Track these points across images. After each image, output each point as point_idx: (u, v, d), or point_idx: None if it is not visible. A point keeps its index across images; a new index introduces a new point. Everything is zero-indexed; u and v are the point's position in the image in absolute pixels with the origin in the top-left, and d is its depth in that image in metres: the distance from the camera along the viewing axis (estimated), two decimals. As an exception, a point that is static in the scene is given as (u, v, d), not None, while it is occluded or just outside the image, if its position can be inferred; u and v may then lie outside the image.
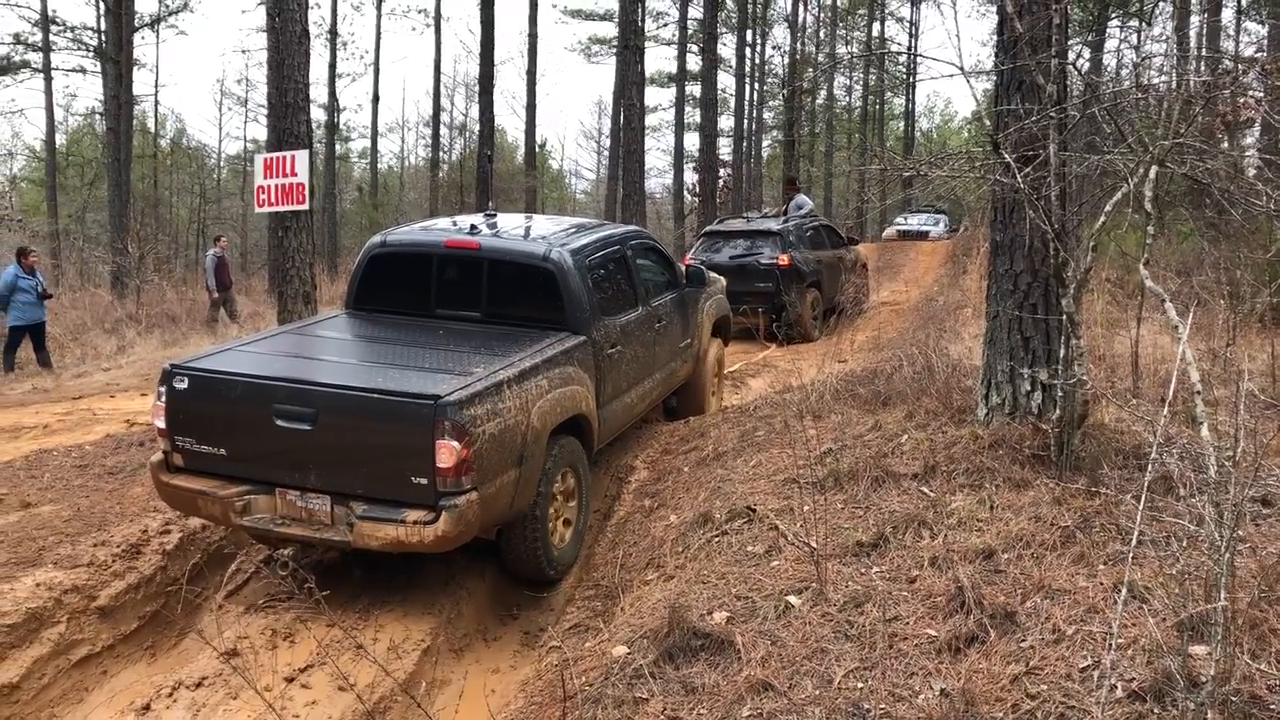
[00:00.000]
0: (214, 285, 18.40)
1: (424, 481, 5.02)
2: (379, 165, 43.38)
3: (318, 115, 34.71)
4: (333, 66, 33.91)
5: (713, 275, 9.56)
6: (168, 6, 33.80)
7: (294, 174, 9.34)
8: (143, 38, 33.73)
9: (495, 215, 7.58)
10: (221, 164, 48.55)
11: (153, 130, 41.58)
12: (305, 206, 9.51)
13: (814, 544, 4.35)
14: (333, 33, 33.42)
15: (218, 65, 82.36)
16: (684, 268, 8.76)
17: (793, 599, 4.15)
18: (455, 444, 4.92)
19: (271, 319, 12.05)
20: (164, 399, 5.52)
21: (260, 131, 42.73)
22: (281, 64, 9.66)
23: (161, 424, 5.56)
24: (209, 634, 4.93)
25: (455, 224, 7.39)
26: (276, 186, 9.43)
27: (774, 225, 15.19)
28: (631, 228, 8.82)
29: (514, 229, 7.39)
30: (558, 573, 5.99)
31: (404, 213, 41.42)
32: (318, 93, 34.43)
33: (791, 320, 13.86)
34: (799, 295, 14.26)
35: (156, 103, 40.74)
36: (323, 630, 5.00)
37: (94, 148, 37.00)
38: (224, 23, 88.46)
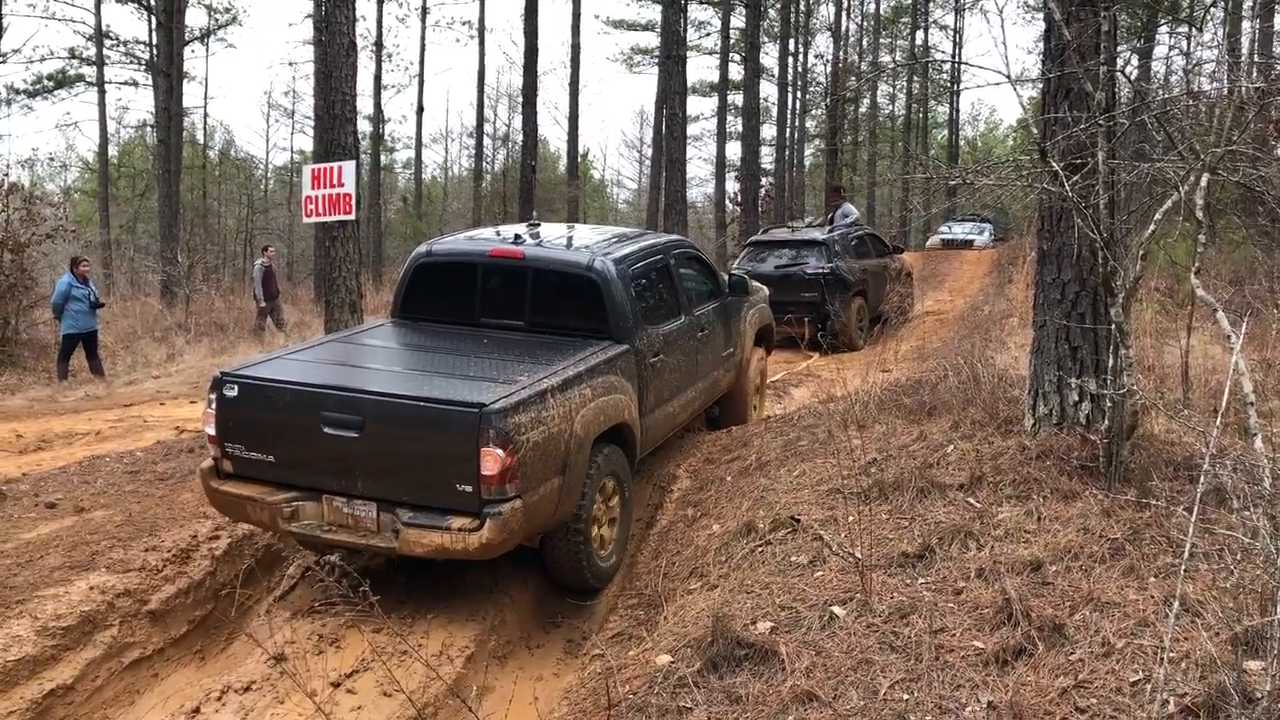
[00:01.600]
0: (261, 294, 18.63)
1: (469, 489, 5.05)
2: (423, 176, 43.82)
3: (363, 126, 35.12)
4: (378, 78, 34.29)
5: (756, 284, 9.55)
6: (217, 20, 34.41)
7: (341, 184, 9.45)
8: (193, 51, 34.35)
9: (539, 225, 7.61)
10: (269, 175, 49.20)
11: (202, 142, 42.25)
12: (352, 216, 9.61)
13: (858, 554, 4.33)
14: (378, 45, 33.79)
15: (265, 78, 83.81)
16: (727, 276, 8.73)
17: (837, 609, 4.13)
18: (499, 452, 4.97)
19: (318, 328, 12.20)
20: (214, 406, 5.59)
21: (306, 143, 43.31)
22: (329, 76, 9.79)
23: (211, 431, 5.62)
24: (259, 638, 4.99)
25: (499, 234, 7.39)
26: (324, 197, 9.55)
27: (819, 235, 15.21)
28: (674, 237, 8.89)
29: (557, 239, 7.45)
30: (600, 581, 6.01)
31: (447, 222, 41.73)
32: (363, 104, 34.74)
33: (836, 330, 13.62)
34: (844, 305, 14.23)
35: (206, 115, 41.51)
36: (369, 635, 5.04)
37: (145, 159, 37.71)
38: (271, 36, 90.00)
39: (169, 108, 26.59)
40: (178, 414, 10.87)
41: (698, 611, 4.53)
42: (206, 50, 38.90)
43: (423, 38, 36.16)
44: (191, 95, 42.52)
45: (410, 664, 4.67)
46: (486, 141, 40.51)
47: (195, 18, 34.18)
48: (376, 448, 5.24)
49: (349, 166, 9.52)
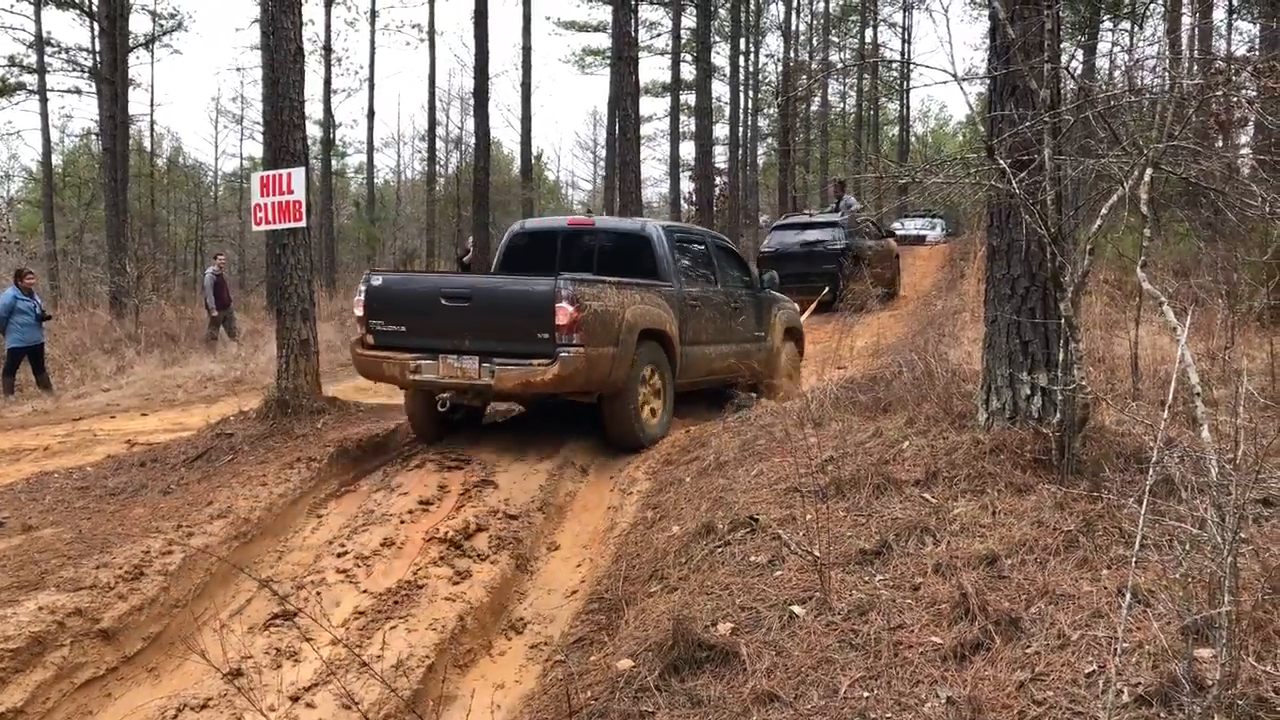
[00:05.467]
0: (213, 303, 18.39)
1: (546, 336, 7.24)
2: (376, 180, 43.44)
3: (313, 131, 34.79)
4: (328, 83, 33.94)
5: (786, 299, 11.31)
6: (162, 26, 33.97)
7: (291, 191, 9.33)
8: (137, 58, 33.85)
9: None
10: (218, 182, 48.61)
11: (149, 149, 41.66)
12: (303, 224, 9.48)
13: (817, 553, 4.34)
14: (327, 49, 33.45)
15: (213, 83, 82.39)
16: (759, 273, 10.89)
17: (797, 609, 4.14)
18: (569, 308, 7.19)
19: (270, 336, 12.06)
20: (363, 294, 7.92)
21: (256, 148, 42.81)
22: (276, 82, 9.65)
23: (360, 312, 7.97)
24: (213, 655, 4.92)
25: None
26: (273, 204, 9.42)
27: (835, 218, 18.97)
28: (716, 233, 11.53)
29: (617, 219, 10.52)
30: (647, 442, 7.90)
31: (401, 226, 41.46)
32: (313, 109, 34.45)
33: (843, 295, 16.20)
34: (855, 272, 16.89)
35: (152, 122, 40.91)
36: (327, 648, 4.99)
37: (90, 168, 37.03)
38: (218, 41, 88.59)
39: (114, 115, 26.15)
40: (129, 427, 10.70)
41: (658, 614, 4.52)
42: (152, 57, 38.26)
43: (372, 41, 35.88)
44: (137, 102, 42.06)
45: (368, 675, 4.62)
46: (439, 144, 40.27)
47: (139, 24, 33.87)
48: (480, 315, 7.50)
49: (299, 173, 9.40)
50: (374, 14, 35.60)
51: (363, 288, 7.92)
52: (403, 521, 6.74)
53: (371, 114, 36.25)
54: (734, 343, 9.52)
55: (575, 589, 5.92)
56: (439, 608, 5.60)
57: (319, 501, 7.43)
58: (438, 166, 40.10)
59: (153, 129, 42.00)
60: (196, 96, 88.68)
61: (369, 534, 6.61)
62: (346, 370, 13.99)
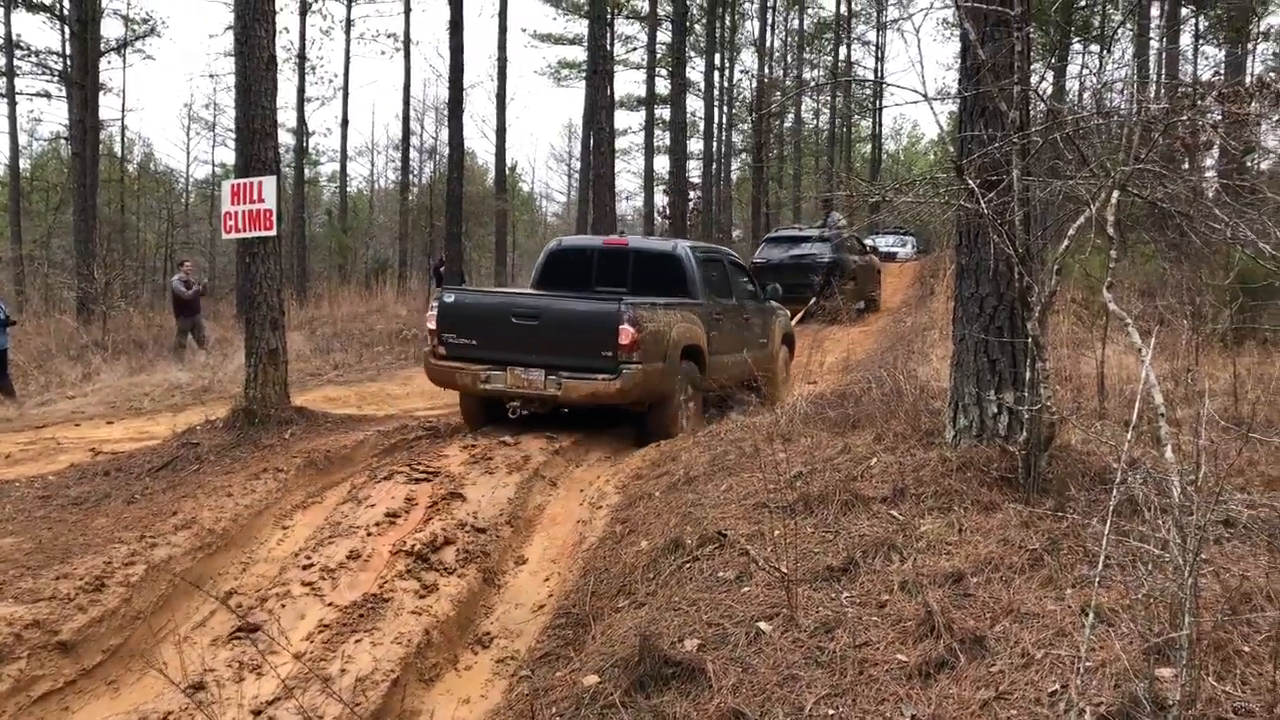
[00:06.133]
0: (179, 310, 18.13)
1: (609, 354, 8.18)
2: (348, 189, 43.19)
3: (286, 139, 34.63)
4: (301, 91, 33.78)
5: (781, 307, 12.35)
6: (134, 31, 33.68)
7: (261, 200, 9.27)
8: (109, 62, 33.60)
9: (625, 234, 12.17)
10: (189, 188, 48.22)
11: (120, 155, 41.25)
12: (273, 232, 9.42)
13: (784, 569, 4.35)
14: (301, 57, 33.30)
15: (186, 89, 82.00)
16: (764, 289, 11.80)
17: (763, 625, 4.14)
18: (631, 329, 8.14)
19: (239, 345, 11.96)
20: (436, 309, 8.86)
21: (228, 155, 42.58)
22: (249, 90, 9.59)
23: (432, 326, 8.84)
24: (174, 668, 4.86)
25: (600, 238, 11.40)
26: (244, 213, 9.35)
27: (823, 232, 19.94)
28: (728, 250, 12.40)
29: (648, 240, 11.58)
30: (680, 435, 8.52)
31: (374, 235, 41.26)
32: (286, 116, 34.25)
33: (833, 305, 17.56)
34: (840, 285, 18.51)
35: (124, 127, 40.64)
36: (289, 663, 4.93)
37: (59, 172, 36.69)
38: (192, 47, 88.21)
39: (84, 120, 25.91)
40: (94, 435, 10.57)
41: (625, 630, 4.51)
42: (124, 61, 37.98)
43: (347, 50, 35.69)
44: (108, 107, 41.68)
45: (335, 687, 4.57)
46: (413, 154, 40.16)
47: (111, 28, 33.49)
48: (547, 332, 8.36)
49: (269, 182, 9.34)
50: (349, 23, 35.48)
51: (435, 304, 8.91)
52: (369, 534, 6.69)
53: (345, 122, 36.07)
54: (746, 350, 10.33)
55: (543, 603, 5.89)
56: (405, 621, 5.55)
57: (285, 513, 7.36)
58: (411, 176, 39.99)
59: (124, 134, 41.69)
60: (169, 102, 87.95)
61: (335, 546, 6.55)
62: (316, 379, 13.94)
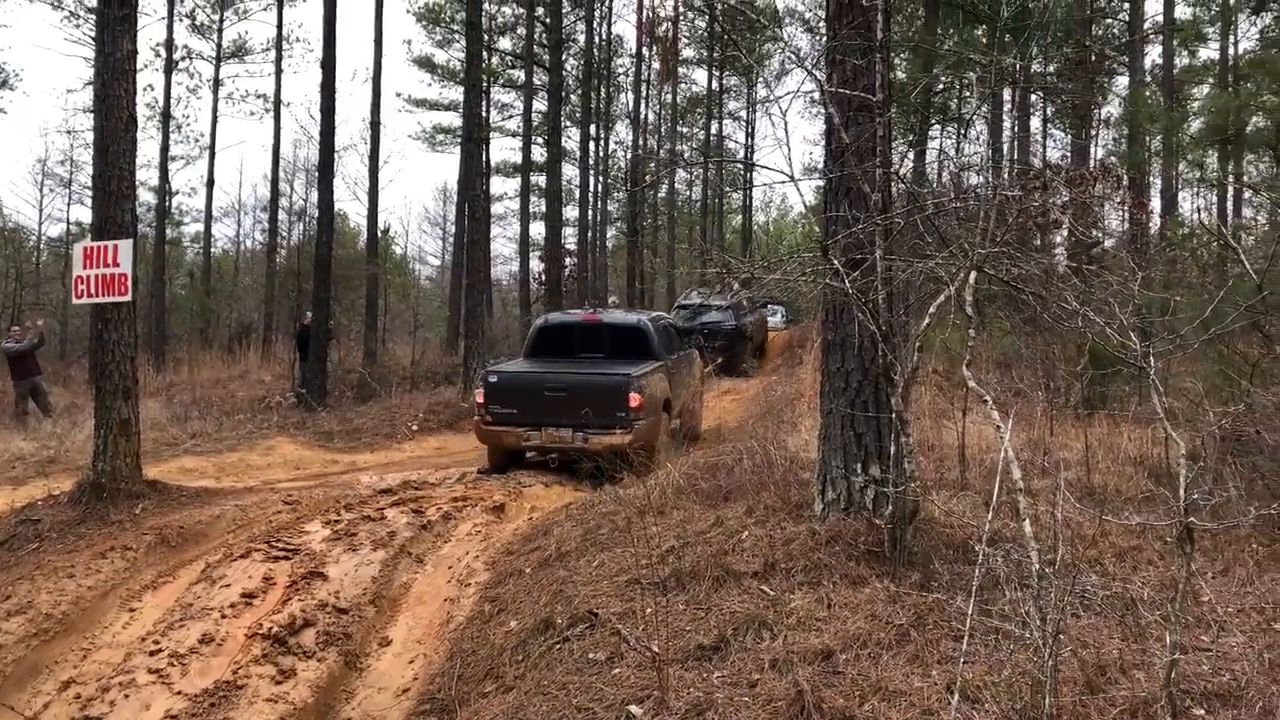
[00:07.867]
0: (13, 370, 16.99)
1: (622, 414, 10.44)
2: (213, 250, 41.86)
3: (148, 198, 33.50)
4: (165, 149, 32.72)
5: (695, 353, 15.19)
6: (-15, 83, 32.21)
7: (116, 264, 8.87)
8: (-44, 114, 31.98)
9: (599, 309, 14.31)
10: (41, 247, 46.01)
11: (-36, 210, 39.17)
12: (127, 298, 9.01)
13: (656, 649, 4.27)
14: (166, 115, 32.31)
15: (40, 144, 78.44)
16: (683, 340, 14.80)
17: (634, 709, 4.05)
18: (637, 395, 10.47)
19: (90, 412, 11.33)
20: (484, 386, 11.02)
21: (85, 213, 40.72)
22: (106, 150, 9.20)
23: (480, 399, 10.99)
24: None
25: (579, 311, 13.97)
26: (96, 277, 8.93)
27: (726, 302, 22.73)
28: (666, 314, 17.16)
29: (617, 313, 14.10)
30: (655, 465, 9.77)
31: (239, 298, 40.02)
32: (149, 175, 33.13)
33: (737, 363, 22.11)
34: (742, 348, 22.64)
35: (-30, 182, 38.46)
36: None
37: (-104, 228, 34.60)
38: (47, 101, 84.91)
39: (-74, 174, 24.60)
40: (-79, 511, 9.82)
41: (492, 717, 4.36)
42: (-28, 115, 36.27)
43: (215, 109, 34.79)
44: (-46, 161, 39.58)
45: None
46: (282, 215, 39.23)
47: (-40, 80, 31.95)
48: (573, 400, 10.51)
49: (125, 246, 8.95)
50: (218, 82, 34.67)
51: (481, 383, 11.18)
52: (224, 616, 6.36)
53: (211, 182, 35.04)
54: (686, 389, 13.23)
55: (407, 687, 5.67)
56: (259, 710, 5.28)
57: (133, 594, 6.95)
58: (280, 238, 39.01)
59: (-30, 189, 39.62)
60: (21, 157, 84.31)
61: (186, 630, 6.21)
62: (172, 449, 13.30)
